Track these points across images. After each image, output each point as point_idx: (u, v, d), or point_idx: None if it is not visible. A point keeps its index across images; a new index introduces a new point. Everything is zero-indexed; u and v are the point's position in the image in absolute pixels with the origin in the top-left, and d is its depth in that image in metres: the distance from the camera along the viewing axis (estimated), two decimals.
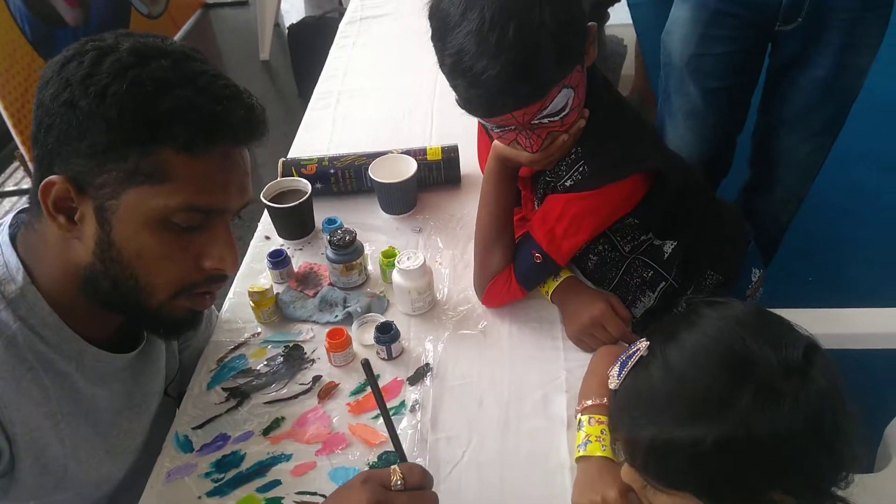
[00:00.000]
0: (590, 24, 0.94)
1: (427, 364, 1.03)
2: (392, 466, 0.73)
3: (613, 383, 0.71)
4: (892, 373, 1.35)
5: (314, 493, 0.87)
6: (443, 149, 1.34)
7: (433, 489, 0.76)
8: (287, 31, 3.48)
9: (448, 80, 0.90)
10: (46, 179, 0.68)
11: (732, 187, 1.84)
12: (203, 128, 0.68)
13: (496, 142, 1.03)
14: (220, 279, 0.79)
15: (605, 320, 1.02)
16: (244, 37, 4.06)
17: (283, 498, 0.87)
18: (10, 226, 0.78)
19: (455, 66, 0.87)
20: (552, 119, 0.92)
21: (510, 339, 1.07)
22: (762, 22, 1.43)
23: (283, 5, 4.34)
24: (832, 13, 1.36)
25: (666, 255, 1.12)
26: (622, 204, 1.03)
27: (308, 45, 3.20)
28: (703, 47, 1.52)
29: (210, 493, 0.88)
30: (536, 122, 0.92)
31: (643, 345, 0.70)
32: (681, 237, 1.12)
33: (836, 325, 1.19)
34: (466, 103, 0.90)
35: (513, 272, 1.06)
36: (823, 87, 1.45)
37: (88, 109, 0.65)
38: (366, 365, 0.76)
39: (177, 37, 4.08)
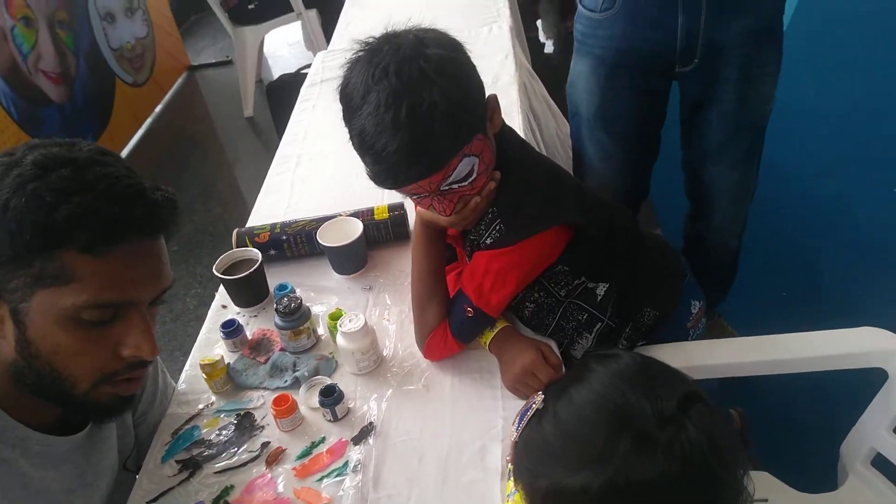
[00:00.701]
0: (490, 95, 1.00)
1: (371, 423, 1.07)
2: None
3: (513, 436, 0.75)
4: (843, 393, 1.37)
5: None
6: (389, 207, 1.40)
7: None
8: (266, 88, 3.61)
9: (359, 156, 0.96)
10: None
11: (678, 218, 1.90)
12: (102, 230, 0.73)
13: (418, 207, 1.09)
14: (142, 365, 0.84)
15: (535, 368, 1.06)
16: (229, 95, 4.19)
17: None
18: None
19: (360, 144, 0.93)
20: (461, 185, 0.98)
21: (452, 391, 1.11)
22: (662, 68, 1.49)
23: (269, 60, 4.49)
24: (725, 51, 1.43)
25: (599, 298, 1.16)
26: (544, 256, 1.08)
27: (287, 101, 3.30)
28: (607, 99, 1.58)
29: None
30: (446, 188, 0.98)
31: (538, 399, 0.74)
32: (613, 278, 1.16)
33: (778, 351, 1.23)
34: (375, 177, 0.96)
35: (448, 327, 1.11)
36: (733, 119, 1.52)
37: None
38: None
39: (164, 100, 4.22)
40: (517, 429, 0.75)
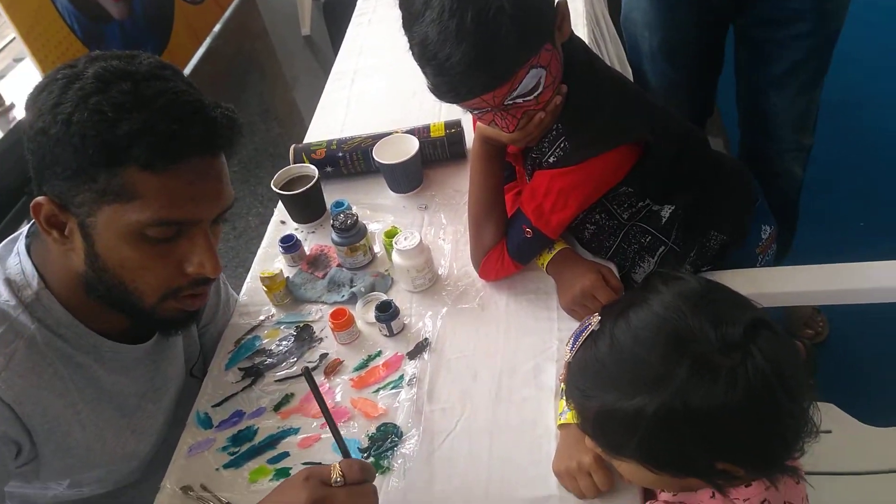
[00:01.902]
0: (558, 1, 0.93)
1: (426, 339, 1.08)
2: (333, 463, 0.76)
3: (567, 356, 0.74)
4: None
5: (319, 463, 0.94)
6: (446, 125, 1.36)
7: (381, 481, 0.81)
8: (323, 5, 3.53)
9: (419, 67, 0.92)
10: (34, 200, 0.76)
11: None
12: (161, 147, 0.73)
13: (479, 122, 1.05)
14: (205, 282, 0.85)
15: (595, 291, 1.03)
16: (286, 13, 4.13)
17: (291, 468, 0.95)
18: (27, 236, 0.87)
19: (421, 54, 0.89)
20: (526, 99, 0.93)
21: (506, 311, 1.10)
22: None
23: None
24: None
25: (664, 220, 1.12)
26: (609, 176, 1.03)
27: (344, 19, 3.23)
28: (670, 32, 1.50)
29: (226, 465, 0.97)
30: (509, 102, 0.93)
31: (595, 320, 0.72)
32: (680, 201, 1.11)
33: (853, 280, 1.16)
34: (436, 89, 0.92)
35: (505, 247, 1.09)
36: (808, 37, 1.40)
37: (57, 137, 0.72)
38: (306, 373, 0.79)
39: (222, 19, 4.19)
40: (571, 349, 0.74)
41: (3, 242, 0.89)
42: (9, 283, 0.83)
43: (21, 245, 0.85)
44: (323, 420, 0.99)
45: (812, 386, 0.68)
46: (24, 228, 0.88)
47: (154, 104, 0.73)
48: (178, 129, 0.73)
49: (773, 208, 1.30)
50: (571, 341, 0.74)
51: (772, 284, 1.18)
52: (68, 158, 0.73)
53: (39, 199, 0.76)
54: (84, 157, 0.72)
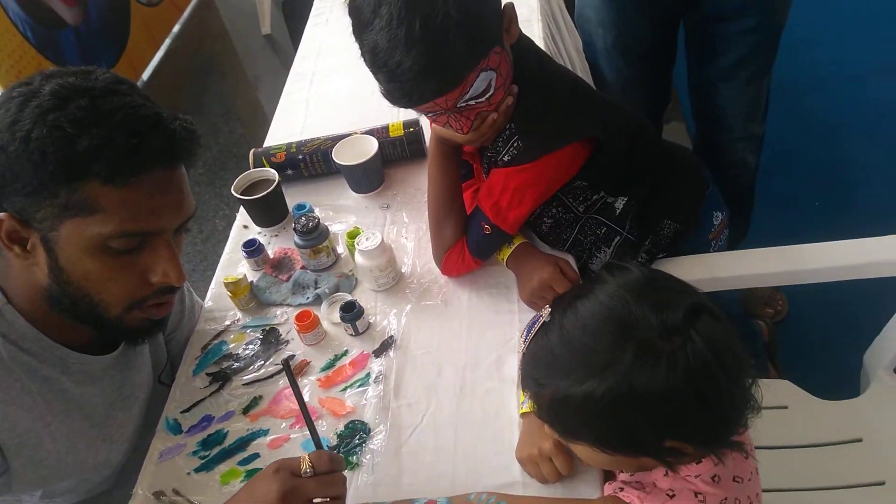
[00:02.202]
0: (506, 3, 0.96)
1: (391, 337, 1.10)
2: (302, 455, 0.78)
3: (521, 347, 0.77)
4: (868, 302, 1.36)
5: None
6: (405, 124, 1.38)
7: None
8: (282, 5, 3.50)
9: (371, 73, 0.94)
10: None
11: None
12: (121, 161, 0.74)
13: (434, 124, 1.07)
14: (170, 291, 0.86)
15: (553, 282, 1.06)
16: (246, 12, 4.09)
17: (261, 469, 0.96)
18: None
19: (372, 61, 0.91)
20: (478, 101, 0.96)
21: (469, 306, 1.13)
22: None
23: None
24: None
25: (618, 211, 1.15)
26: (562, 172, 1.06)
27: (303, 17, 3.22)
28: (623, 31, 1.54)
29: (198, 469, 0.98)
30: (462, 105, 0.95)
31: (546, 311, 0.75)
32: (633, 192, 1.15)
33: (802, 261, 1.21)
34: (389, 95, 0.94)
35: (466, 244, 1.11)
36: (756, 31, 1.45)
37: (16, 154, 0.72)
38: (285, 363, 0.81)
39: (181, 20, 4.14)
40: (524, 340, 0.77)
41: None
42: None
43: None
44: (292, 420, 1.02)
45: (753, 364, 0.72)
46: None
47: (112, 119, 0.74)
48: (137, 142, 0.74)
49: (728, 196, 1.34)
50: (525, 333, 0.77)
51: (724, 268, 1.22)
52: (28, 175, 0.73)
53: (0, 215, 0.76)
54: (44, 173, 0.73)
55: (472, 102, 0.96)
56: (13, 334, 0.84)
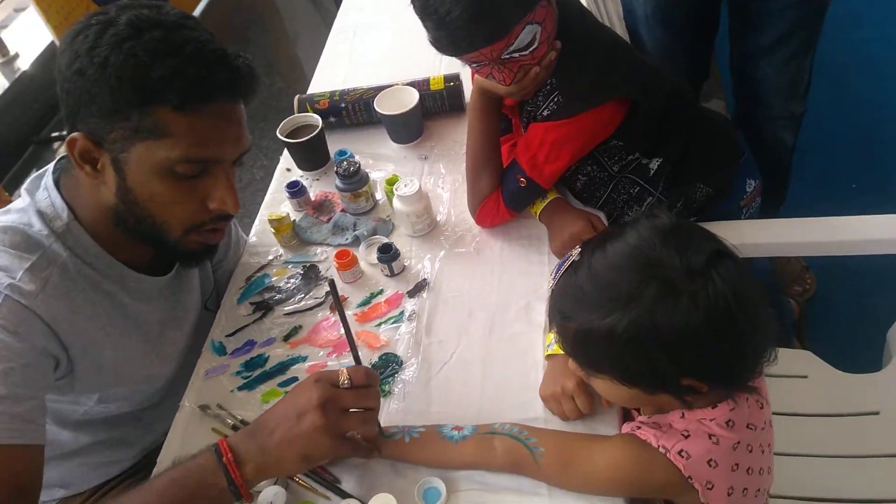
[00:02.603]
0: None
1: (425, 279, 1.15)
2: (341, 368, 0.83)
3: (550, 284, 0.81)
4: (893, 281, 1.38)
5: None
6: (445, 78, 1.41)
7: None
8: None
9: (420, 21, 0.98)
10: (69, 136, 0.82)
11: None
12: (191, 90, 0.79)
13: (477, 75, 1.11)
14: (226, 217, 0.92)
15: (584, 236, 1.10)
16: None
17: None
18: (54, 171, 0.93)
19: (422, 9, 0.95)
20: (522, 53, 0.99)
21: (500, 255, 1.17)
22: None
23: None
24: None
25: (652, 172, 1.18)
26: (599, 130, 1.09)
27: None
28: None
29: (240, 388, 1.05)
30: (506, 56, 0.99)
31: (576, 252, 0.80)
32: (667, 154, 1.17)
33: (831, 233, 1.23)
34: (436, 42, 0.98)
35: (501, 196, 1.16)
36: (797, 8, 1.43)
37: (94, 77, 0.78)
38: (331, 283, 0.85)
39: None
40: (554, 277, 0.81)
41: (30, 178, 0.95)
42: (41, 214, 0.89)
43: (48, 180, 0.92)
44: (329, 350, 1.08)
45: (771, 312, 0.75)
46: (50, 165, 0.95)
47: (183, 51, 0.79)
48: (206, 74, 0.80)
49: (764, 171, 1.36)
50: (555, 271, 0.82)
51: (753, 235, 1.25)
52: (104, 98, 0.79)
53: (74, 135, 0.82)
54: (119, 97, 0.78)
55: (516, 55, 0.99)
56: (79, 249, 0.91)
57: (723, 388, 0.77)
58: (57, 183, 0.92)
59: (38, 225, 0.89)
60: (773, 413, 1.18)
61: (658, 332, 0.70)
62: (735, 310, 0.70)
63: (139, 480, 0.77)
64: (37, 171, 0.95)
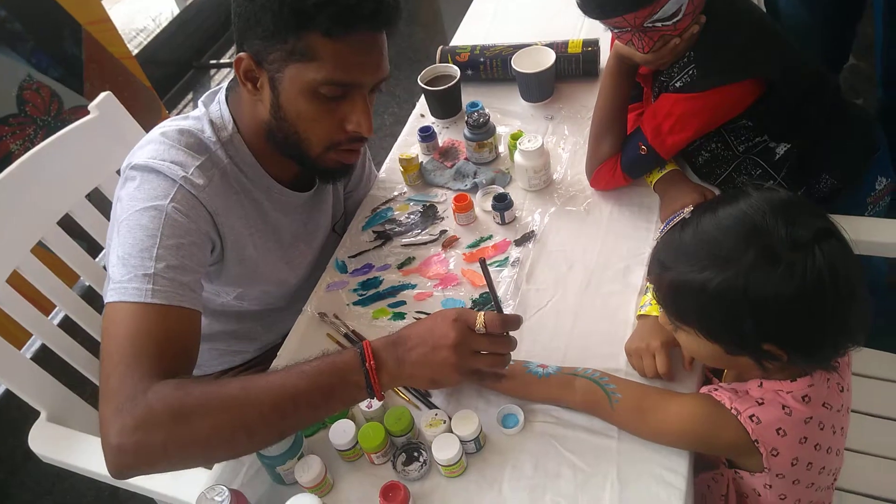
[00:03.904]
0: None
1: (532, 231, 1.22)
2: (479, 313, 0.86)
3: (658, 236, 0.86)
4: None
5: (428, 314, 1.13)
6: (584, 42, 1.45)
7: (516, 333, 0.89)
8: None
9: None
10: (237, 56, 0.95)
11: None
12: (340, 17, 0.88)
13: (617, 41, 1.14)
14: (360, 140, 1.03)
15: None
16: None
17: (405, 313, 1.15)
18: (227, 89, 1.08)
19: None
20: (665, 23, 1.02)
21: (609, 218, 1.22)
22: None
23: None
24: None
25: (777, 157, 1.18)
26: (729, 107, 1.10)
27: None
28: None
29: (355, 303, 1.18)
30: (649, 25, 1.02)
31: (687, 210, 0.84)
32: (796, 141, 1.16)
33: None
34: (583, 4, 1.03)
35: (619, 160, 1.20)
36: None
37: (261, 3, 0.89)
38: (482, 263, 0.88)
39: None
40: (662, 231, 0.86)
41: (207, 93, 1.11)
42: (212, 123, 1.04)
43: (221, 95, 1.07)
44: (436, 282, 1.18)
45: (868, 299, 0.77)
46: (225, 82, 1.10)
47: None
48: (354, 4, 0.89)
49: None
50: (664, 227, 0.86)
51: (874, 233, 1.21)
52: (268, 21, 0.90)
53: (241, 54, 0.95)
54: (280, 20, 0.89)
55: (659, 24, 1.02)
56: (237, 158, 1.05)
57: (802, 361, 0.79)
58: (227, 98, 1.06)
59: (208, 132, 1.03)
60: (865, 413, 1.17)
61: (748, 295, 0.73)
62: (828, 287, 0.72)
63: (258, 372, 0.87)
64: (194, 94, 1.10)
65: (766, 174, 1.19)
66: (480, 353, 0.87)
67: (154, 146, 0.99)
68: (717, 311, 0.77)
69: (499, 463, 0.93)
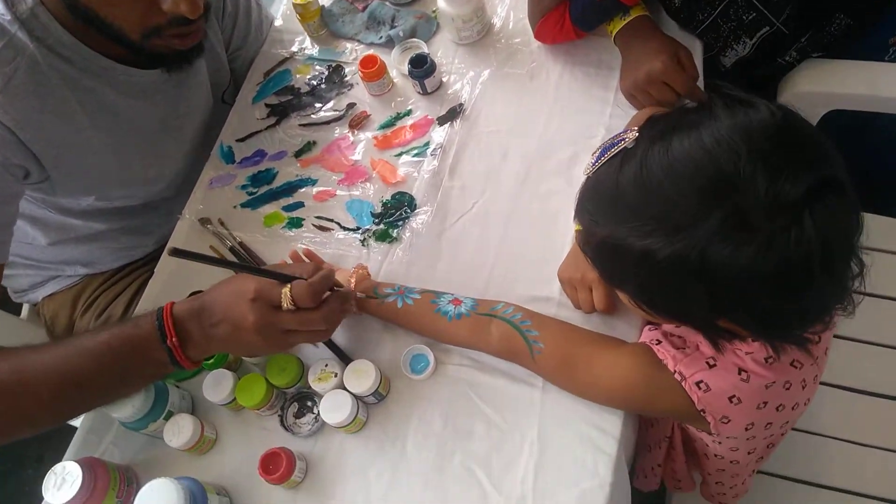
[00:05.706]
0: None
1: (461, 105, 0.97)
2: (284, 289, 0.69)
3: (588, 169, 0.63)
4: None
5: (331, 220, 0.93)
6: None
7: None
8: None
9: None
10: None
11: None
12: None
13: None
14: (186, 22, 0.76)
15: (665, 76, 0.86)
16: None
17: (303, 219, 0.94)
18: None
19: None
20: None
21: (557, 84, 0.96)
22: None
23: None
24: None
25: None
26: None
27: None
28: None
29: (244, 205, 0.97)
30: None
31: (631, 136, 0.60)
32: None
33: None
34: None
35: (568, 9, 0.90)
36: None
37: None
38: (176, 252, 0.64)
39: None
40: (594, 163, 0.63)
41: None
42: None
43: None
44: (342, 176, 0.97)
45: (863, 261, 0.56)
46: None
47: None
48: None
49: None
50: (598, 153, 0.63)
51: (889, 86, 0.95)
52: None
53: None
54: None
55: None
56: (49, 38, 0.78)
57: (766, 338, 0.61)
58: None
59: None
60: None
61: (706, 271, 0.52)
62: (817, 266, 0.51)
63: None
64: None
65: (761, 18, 0.91)
66: (293, 331, 0.70)
67: None
68: (660, 285, 0.56)
69: (404, 415, 0.79)
